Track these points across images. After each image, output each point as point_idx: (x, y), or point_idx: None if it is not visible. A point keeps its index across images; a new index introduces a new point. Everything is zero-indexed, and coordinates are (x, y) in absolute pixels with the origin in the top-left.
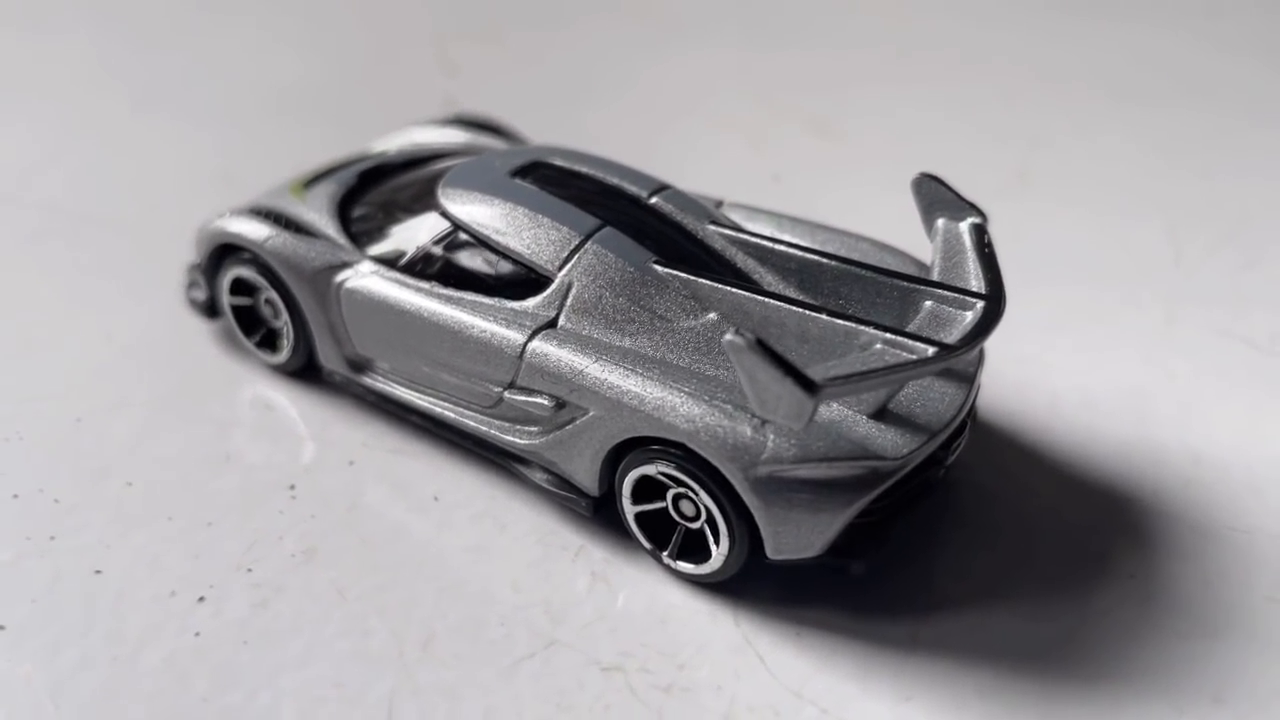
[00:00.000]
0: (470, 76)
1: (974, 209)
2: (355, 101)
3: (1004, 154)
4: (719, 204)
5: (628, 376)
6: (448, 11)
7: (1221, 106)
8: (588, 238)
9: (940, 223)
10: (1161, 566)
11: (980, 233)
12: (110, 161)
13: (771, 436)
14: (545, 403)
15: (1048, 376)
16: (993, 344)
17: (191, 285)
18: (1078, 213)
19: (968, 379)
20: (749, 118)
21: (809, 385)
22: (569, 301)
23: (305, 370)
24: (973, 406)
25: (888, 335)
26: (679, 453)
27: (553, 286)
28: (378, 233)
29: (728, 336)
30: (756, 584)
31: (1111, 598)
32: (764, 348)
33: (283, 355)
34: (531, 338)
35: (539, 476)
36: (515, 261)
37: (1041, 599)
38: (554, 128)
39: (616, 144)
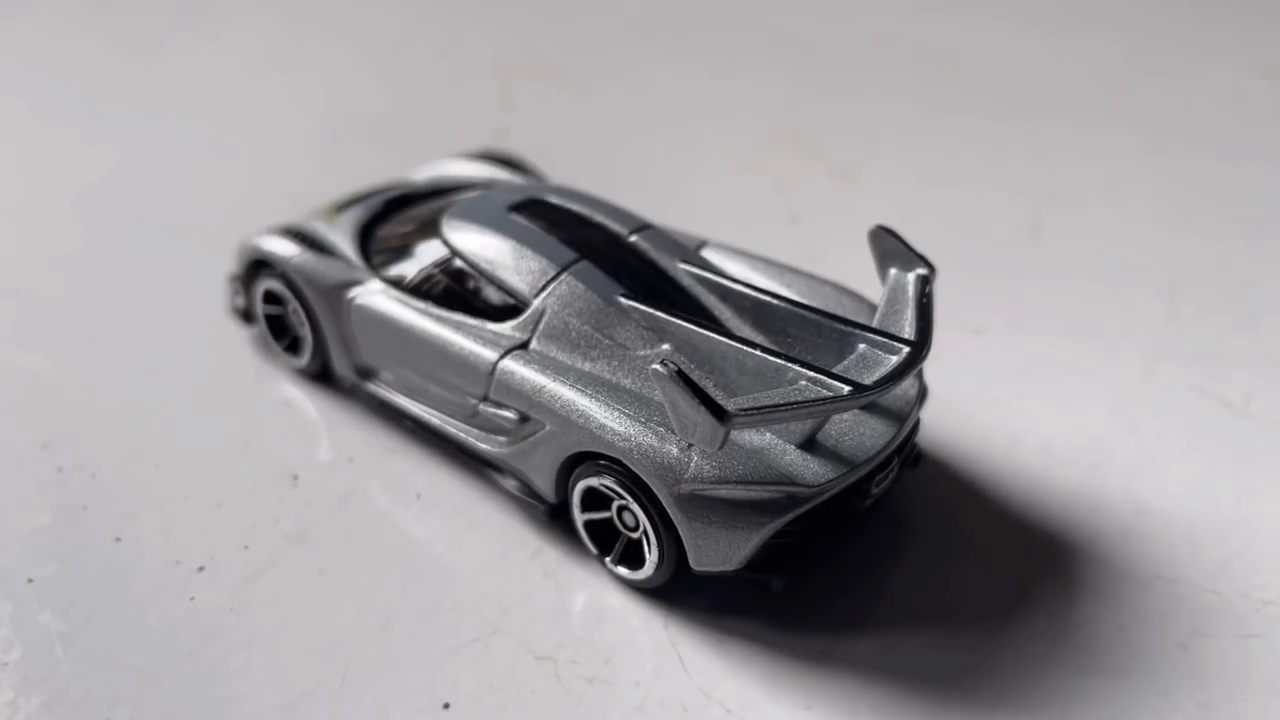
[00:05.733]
0: (526, 111)
1: (923, 261)
2: (416, 129)
3: (1021, 207)
4: (702, 244)
5: (580, 397)
6: (517, 49)
7: (1249, 168)
8: (563, 269)
9: (892, 272)
10: (1081, 607)
11: (924, 283)
12: (193, 178)
13: (695, 458)
14: (512, 416)
15: (1012, 420)
16: (966, 388)
17: (234, 294)
18: (1081, 266)
19: (900, 418)
20: (779, 160)
21: (721, 413)
22: (541, 326)
23: (323, 375)
24: (909, 444)
25: (810, 373)
26: (619, 468)
27: (528, 312)
28: (390, 255)
29: (654, 366)
30: (691, 595)
31: (1025, 632)
32: (684, 378)
33: (304, 360)
34: (503, 357)
35: (509, 483)
36: (500, 288)
37: (957, 628)
38: (590, 162)
39: (647, 181)
